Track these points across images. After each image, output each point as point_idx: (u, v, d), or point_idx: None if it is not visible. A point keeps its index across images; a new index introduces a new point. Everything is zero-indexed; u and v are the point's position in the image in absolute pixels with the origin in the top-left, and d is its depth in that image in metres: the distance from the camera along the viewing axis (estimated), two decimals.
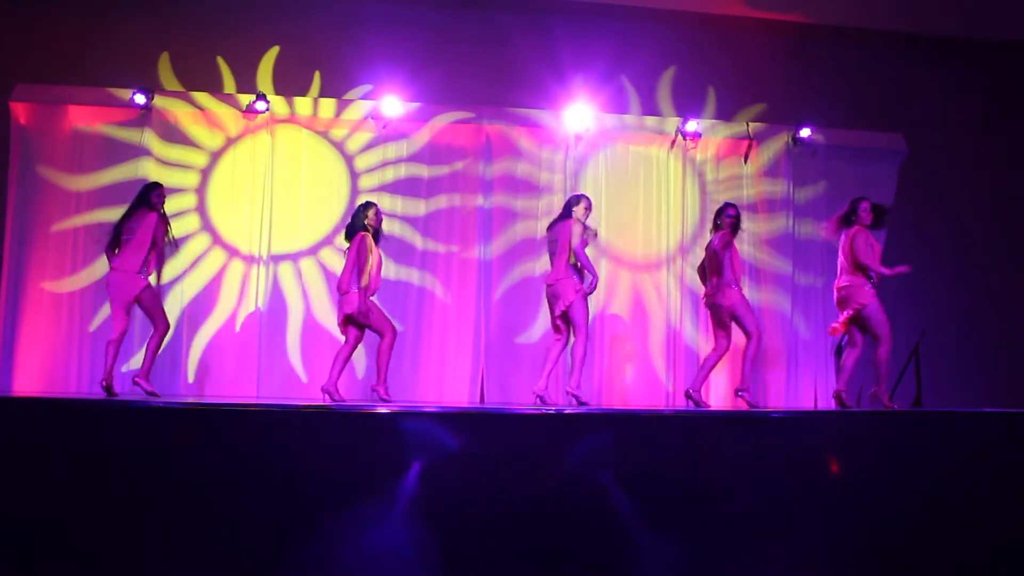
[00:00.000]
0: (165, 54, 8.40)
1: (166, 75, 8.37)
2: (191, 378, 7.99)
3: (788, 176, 8.97)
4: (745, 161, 8.94)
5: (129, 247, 6.53)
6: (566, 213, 6.98)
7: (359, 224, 6.92)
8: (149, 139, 8.19)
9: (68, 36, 8.27)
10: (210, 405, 5.26)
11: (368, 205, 7.04)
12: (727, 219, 7.37)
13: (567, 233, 6.82)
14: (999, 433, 5.48)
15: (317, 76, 8.61)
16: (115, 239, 6.59)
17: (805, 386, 8.73)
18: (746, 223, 8.89)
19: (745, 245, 8.85)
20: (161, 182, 7.11)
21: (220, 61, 8.50)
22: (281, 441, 4.64)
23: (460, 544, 4.57)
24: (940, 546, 5.08)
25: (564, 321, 6.87)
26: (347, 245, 6.99)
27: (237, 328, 8.18)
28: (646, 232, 8.68)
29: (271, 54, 8.56)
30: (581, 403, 6.84)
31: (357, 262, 6.77)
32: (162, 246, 6.73)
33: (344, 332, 6.94)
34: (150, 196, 6.69)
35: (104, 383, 6.46)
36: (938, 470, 5.23)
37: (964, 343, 8.95)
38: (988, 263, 9.19)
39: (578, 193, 7.35)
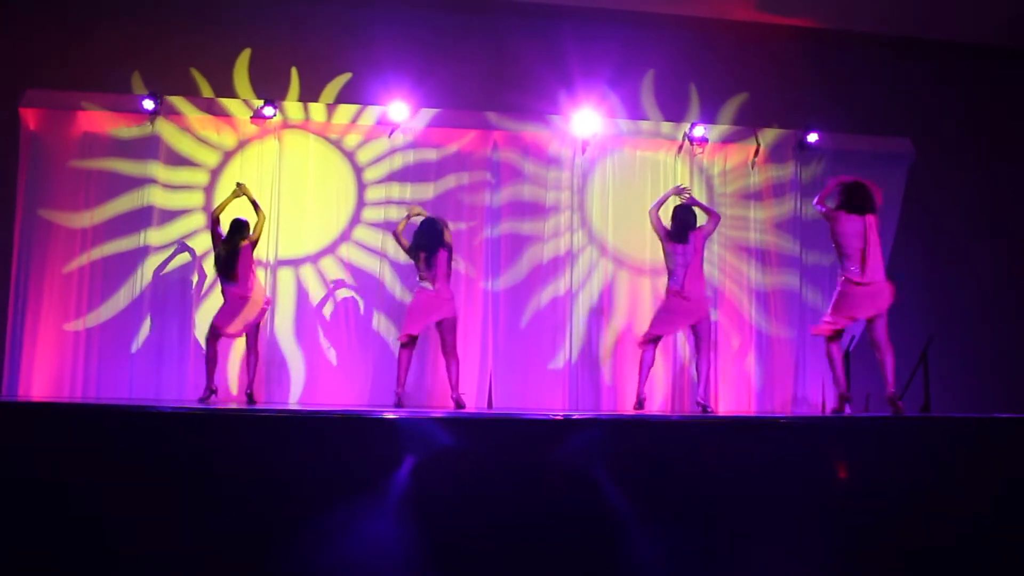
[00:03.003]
0: (174, 60, 8.41)
1: (175, 80, 8.37)
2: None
3: (796, 181, 8.97)
4: (752, 166, 8.94)
5: (250, 274, 7.26)
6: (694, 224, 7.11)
7: (443, 240, 7.22)
8: (158, 145, 8.24)
9: (78, 42, 8.30)
10: (212, 410, 5.27)
11: (445, 223, 7.35)
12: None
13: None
14: (1008, 438, 5.45)
15: (322, 81, 8.61)
16: (231, 269, 7.20)
17: (812, 383, 8.74)
18: (752, 233, 8.91)
19: (752, 232, 8.89)
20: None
21: (229, 66, 8.52)
22: (287, 444, 4.65)
23: (459, 549, 4.56)
24: (949, 552, 5.05)
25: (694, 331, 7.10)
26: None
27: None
28: (654, 237, 8.63)
29: (279, 59, 8.57)
30: (707, 410, 6.96)
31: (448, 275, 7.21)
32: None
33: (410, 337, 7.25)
34: (246, 229, 7.32)
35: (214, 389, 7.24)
36: (946, 475, 5.20)
37: (972, 348, 8.92)
38: (996, 268, 9.17)
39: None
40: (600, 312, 8.69)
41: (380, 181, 8.57)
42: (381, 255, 8.45)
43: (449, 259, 7.25)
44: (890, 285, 6.51)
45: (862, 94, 9.21)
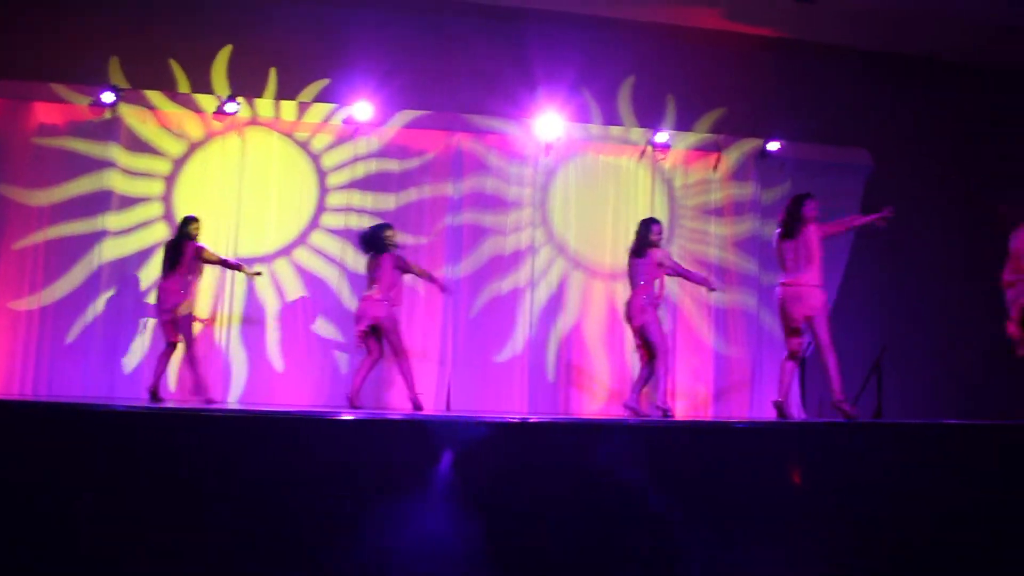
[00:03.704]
0: (135, 53, 8.29)
1: (135, 74, 8.27)
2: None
3: (756, 190, 9.06)
4: (714, 171, 9.02)
5: (177, 271, 7.20)
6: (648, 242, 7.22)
7: (385, 244, 7.25)
8: (114, 150, 8.13)
9: (36, 33, 8.15)
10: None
11: (389, 226, 7.38)
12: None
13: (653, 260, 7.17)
14: (958, 445, 5.55)
15: (288, 79, 8.54)
16: (169, 262, 7.25)
17: (769, 392, 8.81)
18: (712, 249, 8.98)
19: (712, 248, 8.95)
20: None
21: (191, 62, 8.42)
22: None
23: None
24: (900, 557, 5.13)
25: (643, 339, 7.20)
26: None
27: (212, 332, 8.16)
28: (615, 241, 8.70)
29: (243, 56, 8.49)
30: (667, 414, 7.11)
31: (393, 280, 7.21)
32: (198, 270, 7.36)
33: (366, 343, 7.22)
34: (188, 228, 7.32)
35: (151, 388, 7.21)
36: (897, 481, 5.28)
37: (926, 356, 9.06)
38: (950, 277, 9.30)
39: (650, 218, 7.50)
40: (558, 309, 8.72)
41: (342, 187, 8.53)
42: (340, 265, 8.36)
43: (396, 264, 7.26)
44: (820, 291, 6.65)
45: (824, 104, 9.30)
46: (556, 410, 8.52)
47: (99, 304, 8.00)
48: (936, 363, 9.06)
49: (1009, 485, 5.21)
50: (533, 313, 8.64)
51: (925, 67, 9.54)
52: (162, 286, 7.27)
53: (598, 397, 8.63)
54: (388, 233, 7.31)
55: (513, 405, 8.43)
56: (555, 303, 8.73)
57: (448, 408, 8.30)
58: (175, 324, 7.24)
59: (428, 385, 8.21)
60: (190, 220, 7.37)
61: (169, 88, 8.30)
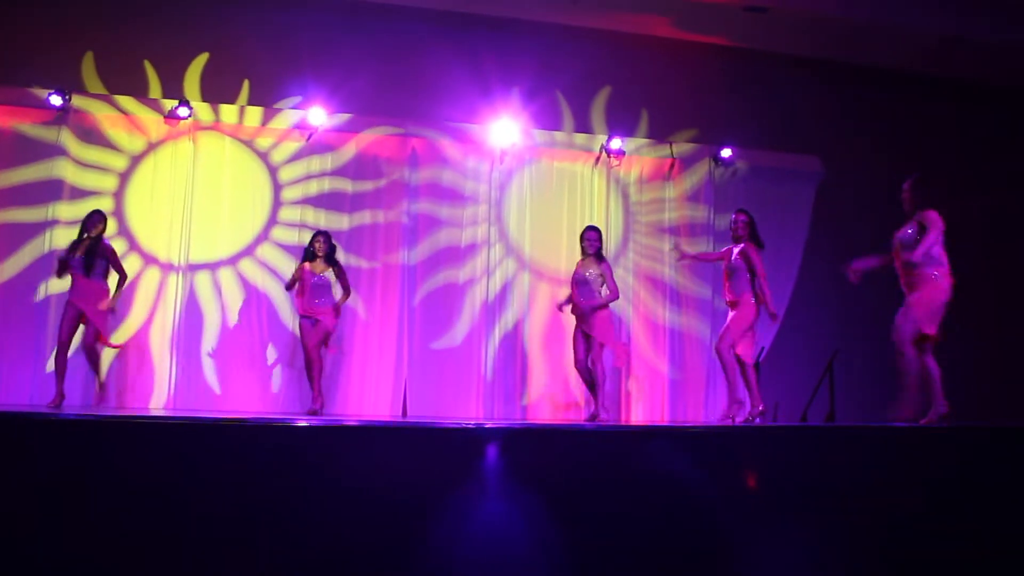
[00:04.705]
0: (87, 55, 8.19)
1: (87, 76, 8.17)
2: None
3: (710, 196, 9.14)
4: (668, 179, 9.07)
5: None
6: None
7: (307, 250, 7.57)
8: (66, 141, 7.99)
9: None
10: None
11: (315, 234, 7.61)
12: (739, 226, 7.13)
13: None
14: (910, 447, 5.62)
15: (244, 85, 8.48)
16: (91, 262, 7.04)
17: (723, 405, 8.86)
18: (667, 269, 9.03)
19: (666, 268, 8.98)
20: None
21: (145, 65, 8.31)
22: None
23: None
24: (850, 560, 5.17)
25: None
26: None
27: (151, 337, 8.00)
28: (569, 247, 8.71)
29: (198, 60, 8.42)
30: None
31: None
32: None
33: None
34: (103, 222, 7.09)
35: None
36: (849, 484, 5.33)
37: (878, 360, 9.15)
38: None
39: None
40: (509, 308, 8.74)
41: (298, 186, 8.47)
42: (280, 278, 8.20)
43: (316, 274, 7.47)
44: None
45: (776, 112, 9.42)
46: (504, 405, 8.57)
47: (45, 292, 7.82)
48: (888, 367, 9.15)
49: (960, 487, 5.30)
50: (490, 308, 8.65)
51: (873, 75, 9.70)
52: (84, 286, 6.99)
53: (534, 394, 8.68)
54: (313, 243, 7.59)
55: (461, 398, 8.47)
56: (505, 301, 8.74)
57: (404, 412, 8.24)
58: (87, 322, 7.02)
59: (384, 381, 8.26)
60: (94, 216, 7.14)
61: (141, 93, 8.19)
